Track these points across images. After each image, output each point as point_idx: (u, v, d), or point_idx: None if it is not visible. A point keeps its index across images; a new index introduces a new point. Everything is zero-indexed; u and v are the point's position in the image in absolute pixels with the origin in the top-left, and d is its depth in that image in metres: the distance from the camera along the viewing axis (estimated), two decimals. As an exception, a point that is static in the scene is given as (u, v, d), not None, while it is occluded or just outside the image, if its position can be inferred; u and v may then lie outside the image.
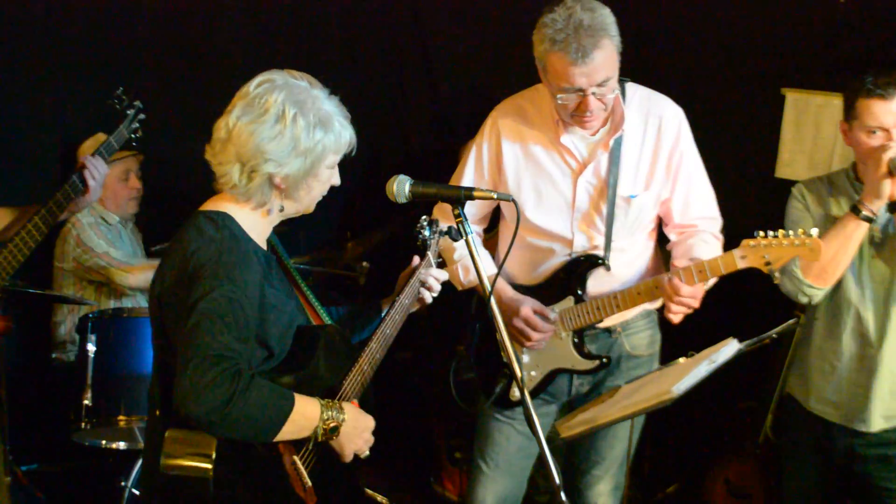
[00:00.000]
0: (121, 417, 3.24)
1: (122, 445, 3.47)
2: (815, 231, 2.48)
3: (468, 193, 2.19)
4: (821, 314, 2.90)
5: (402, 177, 2.26)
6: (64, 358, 3.82)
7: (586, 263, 2.77)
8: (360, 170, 4.54)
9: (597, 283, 2.79)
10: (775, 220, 3.04)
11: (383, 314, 2.41)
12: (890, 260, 2.77)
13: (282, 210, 2.11)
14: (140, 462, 3.44)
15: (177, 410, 1.85)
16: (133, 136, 3.42)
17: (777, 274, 2.52)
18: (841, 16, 3.73)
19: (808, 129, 3.87)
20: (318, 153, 2.04)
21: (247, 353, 1.95)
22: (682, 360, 2.49)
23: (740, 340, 2.45)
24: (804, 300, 2.84)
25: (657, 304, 2.89)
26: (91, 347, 3.27)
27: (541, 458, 2.09)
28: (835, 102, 3.78)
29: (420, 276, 2.49)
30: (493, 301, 2.16)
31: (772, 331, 2.68)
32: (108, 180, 3.75)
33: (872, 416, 2.81)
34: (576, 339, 2.81)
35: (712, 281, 2.69)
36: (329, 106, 2.07)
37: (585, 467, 2.99)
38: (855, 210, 2.69)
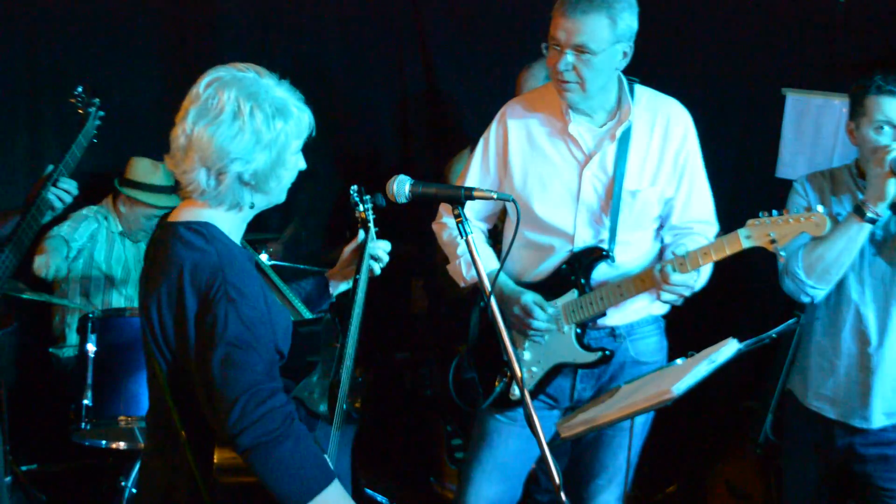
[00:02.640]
0: (121, 417, 3.23)
1: (122, 445, 3.46)
2: (821, 208, 2.49)
3: (468, 193, 2.19)
4: (821, 312, 2.90)
5: (401, 177, 2.26)
6: (59, 354, 3.83)
7: (591, 256, 2.77)
8: (360, 170, 4.54)
9: (601, 278, 2.78)
10: (775, 220, 3.06)
11: (351, 294, 2.42)
12: (891, 258, 2.77)
13: (252, 206, 2.06)
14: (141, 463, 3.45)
15: (229, 437, 1.86)
16: (94, 132, 3.38)
17: (782, 253, 2.52)
18: (841, 16, 3.74)
19: (808, 129, 3.87)
20: (283, 142, 1.99)
21: (276, 366, 1.96)
22: (681, 360, 2.49)
23: (740, 340, 2.45)
24: (806, 300, 2.85)
25: (664, 308, 2.89)
26: (91, 347, 3.26)
27: (541, 458, 2.09)
28: (835, 102, 3.78)
29: (369, 251, 2.49)
30: (493, 301, 2.16)
31: (772, 331, 2.68)
32: (134, 216, 3.88)
33: (874, 413, 2.81)
34: (578, 331, 2.80)
35: (708, 268, 2.69)
36: (282, 92, 2.01)
37: (590, 476, 2.96)
38: (859, 211, 2.69)
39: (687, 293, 2.66)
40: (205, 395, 1.91)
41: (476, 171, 2.90)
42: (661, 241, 2.89)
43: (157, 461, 2.10)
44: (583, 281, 2.77)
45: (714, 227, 2.87)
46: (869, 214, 2.66)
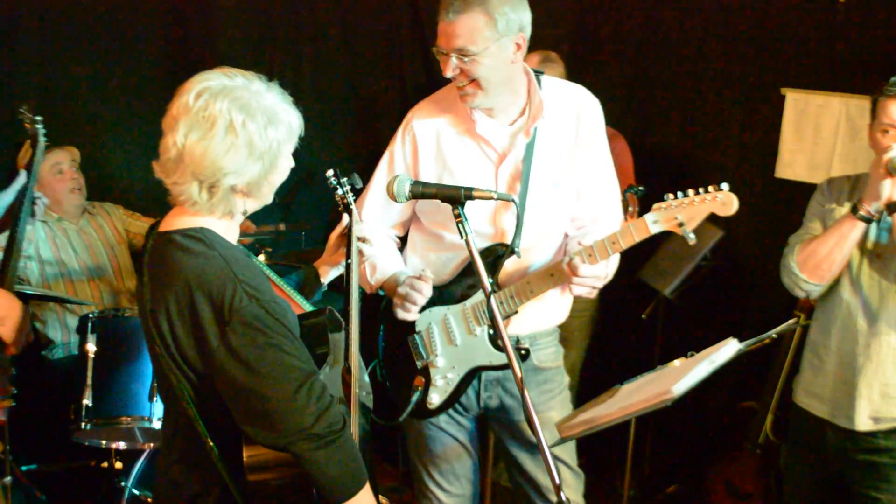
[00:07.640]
0: (121, 417, 3.24)
1: (122, 445, 3.47)
2: (725, 185, 2.41)
3: (468, 193, 2.19)
4: (818, 311, 2.92)
5: (402, 176, 2.27)
6: (50, 357, 3.83)
7: (496, 253, 2.64)
8: (362, 171, 4.54)
9: (511, 277, 2.69)
10: (775, 219, 3.05)
11: (346, 278, 2.43)
12: (886, 266, 2.78)
13: (245, 212, 2.04)
14: (140, 463, 3.45)
15: (295, 430, 1.87)
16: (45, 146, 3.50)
17: (692, 236, 2.43)
18: (841, 16, 3.74)
19: (808, 129, 3.87)
20: (275, 150, 1.96)
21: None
22: (680, 360, 2.48)
23: (740, 340, 2.45)
24: (801, 295, 2.86)
25: (563, 318, 2.85)
26: (91, 347, 3.26)
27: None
28: (835, 102, 3.78)
29: (356, 233, 2.47)
30: (493, 301, 2.16)
31: (772, 331, 2.67)
32: (42, 177, 3.85)
33: (858, 414, 2.80)
34: (491, 332, 2.69)
35: (617, 256, 2.62)
36: (271, 98, 1.96)
37: (535, 485, 2.87)
38: (853, 210, 2.70)
39: (598, 284, 2.58)
40: (240, 401, 1.89)
41: (382, 184, 2.69)
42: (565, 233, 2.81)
43: (180, 471, 2.06)
44: (491, 281, 2.59)
45: (620, 217, 2.80)
46: (860, 212, 2.68)
